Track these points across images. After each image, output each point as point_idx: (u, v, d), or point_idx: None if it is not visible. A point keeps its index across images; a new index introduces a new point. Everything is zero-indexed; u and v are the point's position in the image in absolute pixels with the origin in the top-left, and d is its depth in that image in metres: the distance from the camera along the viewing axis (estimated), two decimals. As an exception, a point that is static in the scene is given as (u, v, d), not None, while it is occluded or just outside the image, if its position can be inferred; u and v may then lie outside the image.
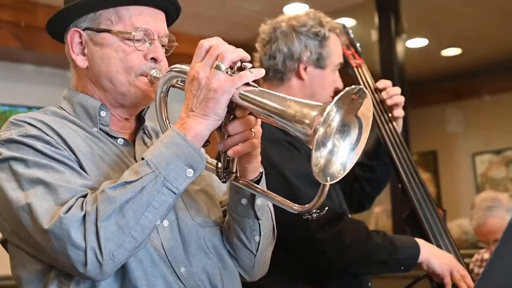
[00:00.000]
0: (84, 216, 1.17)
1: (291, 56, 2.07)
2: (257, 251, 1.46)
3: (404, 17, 4.72)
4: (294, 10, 4.74)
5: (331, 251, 1.86)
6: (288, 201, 1.29)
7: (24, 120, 1.33)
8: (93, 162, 1.34)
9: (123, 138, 1.45)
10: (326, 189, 1.21)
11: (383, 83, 2.20)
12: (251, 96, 1.19)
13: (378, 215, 5.75)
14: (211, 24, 5.10)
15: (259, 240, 1.45)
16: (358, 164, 2.38)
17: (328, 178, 1.14)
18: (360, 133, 1.16)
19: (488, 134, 7.34)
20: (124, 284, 1.28)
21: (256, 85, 1.22)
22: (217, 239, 1.46)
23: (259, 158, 1.34)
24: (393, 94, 2.17)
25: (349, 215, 2.17)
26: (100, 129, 1.42)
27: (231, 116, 1.25)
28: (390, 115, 2.19)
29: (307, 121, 1.09)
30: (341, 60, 2.14)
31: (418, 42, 6.02)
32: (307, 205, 1.25)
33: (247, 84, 1.21)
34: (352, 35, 2.27)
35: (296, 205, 1.27)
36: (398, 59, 4.62)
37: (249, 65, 1.22)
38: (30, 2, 4.69)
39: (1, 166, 1.27)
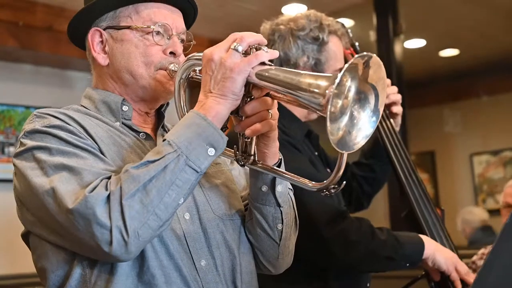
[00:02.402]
0: (109, 195, 1.18)
1: (287, 61, 2.04)
2: (280, 240, 1.46)
3: (402, 18, 4.73)
4: (292, 11, 4.74)
5: (337, 249, 1.86)
6: (306, 180, 1.30)
7: (47, 113, 1.36)
8: (115, 152, 1.36)
9: (145, 133, 1.48)
10: (344, 162, 1.22)
11: None
12: (267, 74, 1.21)
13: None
14: (209, 24, 5.09)
15: (282, 228, 1.45)
16: (355, 163, 2.38)
17: (347, 148, 1.15)
18: (377, 96, 1.17)
19: (486, 135, 7.35)
20: (142, 272, 1.29)
21: (271, 64, 1.24)
22: (237, 234, 1.46)
23: (277, 143, 1.36)
24: (389, 93, 2.17)
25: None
26: (123, 123, 1.46)
27: (249, 98, 1.27)
28: (387, 112, 2.20)
29: (320, 91, 1.11)
30: (342, 65, 2.09)
31: (416, 43, 6.02)
32: (325, 181, 1.25)
33: (263, 64, 1.23)
34: (351, 34, 2.27)
35: (313, 182, 1.28)
36: (396, 60, 4.62)
37: (265, 47, 1.24)
38: (28, 1, 4.68)
39: (25, 156, 1.30)
